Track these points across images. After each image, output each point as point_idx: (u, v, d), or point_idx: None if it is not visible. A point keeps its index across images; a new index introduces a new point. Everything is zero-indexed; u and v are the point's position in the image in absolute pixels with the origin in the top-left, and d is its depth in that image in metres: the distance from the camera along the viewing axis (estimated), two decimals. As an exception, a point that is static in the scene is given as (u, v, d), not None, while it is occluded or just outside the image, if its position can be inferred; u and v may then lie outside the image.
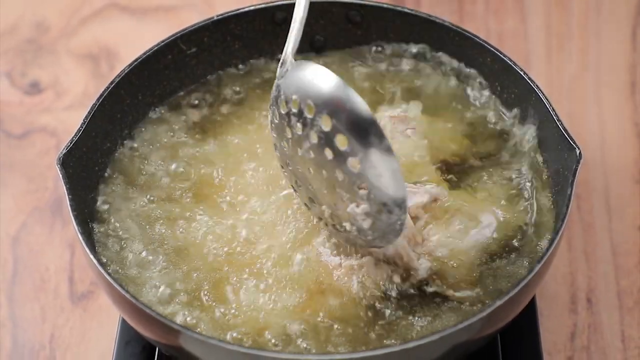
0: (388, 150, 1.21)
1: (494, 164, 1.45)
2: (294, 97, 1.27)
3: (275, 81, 1.31)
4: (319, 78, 1.24)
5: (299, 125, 1.27)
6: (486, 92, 1.51)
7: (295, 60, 1.30)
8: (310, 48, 1.57)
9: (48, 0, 1.94)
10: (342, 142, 1.23)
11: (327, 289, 1.32)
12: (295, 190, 1.36)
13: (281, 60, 1.31)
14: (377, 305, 1.31)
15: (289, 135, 1.30)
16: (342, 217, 1.30)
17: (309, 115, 1.25)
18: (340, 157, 1.24)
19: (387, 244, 1.30)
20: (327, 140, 1.25)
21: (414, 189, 1.38)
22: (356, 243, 1.32)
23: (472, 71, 1.52)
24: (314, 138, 1.26)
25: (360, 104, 1.21)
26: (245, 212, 1.39)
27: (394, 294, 1.32)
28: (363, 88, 1.54)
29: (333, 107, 1.22)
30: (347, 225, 1.30)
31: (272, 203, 1.40)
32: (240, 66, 1.56)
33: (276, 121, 1.31)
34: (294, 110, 1.27)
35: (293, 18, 1.34)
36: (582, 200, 1.64)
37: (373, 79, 1.55)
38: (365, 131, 1.21)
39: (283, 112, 1.29)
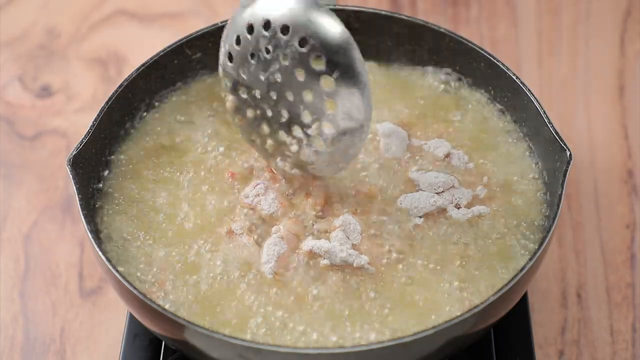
0: (362, 71, 1.23)
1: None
2: (268, 19, 1.26)
3: (241, 8, 1.30)
4: (294, 2, 1.25)
5: (269, 47, 1.28)
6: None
7: None
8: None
9: (59, 8, 1.95)
10: (318, 62, 1.25)
11: None
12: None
13: None
14: None
15: (253, 61, 1.31)
16: (299, 141, 1.33)
17: (283, 37, 1.26)
18: (314, 77, 1.26)
19: (336, 172, 1.34)
20: (300, 61, 1.26)
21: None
22: (306, 168, 1.35)
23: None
24: (285, 60, 1.28)
25: (338, 25, 1.23)
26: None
27: None
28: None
29: (311, 28, 1.23)
30: (306, 151, 1.33)
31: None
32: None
33: (237, 48, 1.31)
34: (265, 33, 1.28)
35: None
36: (572, 199, 1.65)
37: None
38: (343, 51, 1.23)
39: (249, 37, 1.29)
